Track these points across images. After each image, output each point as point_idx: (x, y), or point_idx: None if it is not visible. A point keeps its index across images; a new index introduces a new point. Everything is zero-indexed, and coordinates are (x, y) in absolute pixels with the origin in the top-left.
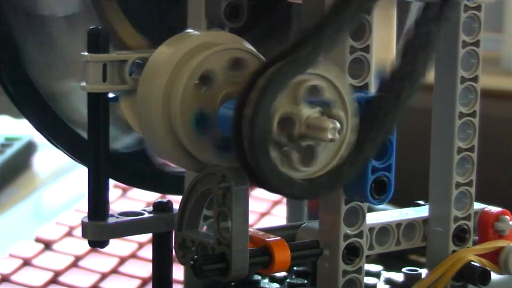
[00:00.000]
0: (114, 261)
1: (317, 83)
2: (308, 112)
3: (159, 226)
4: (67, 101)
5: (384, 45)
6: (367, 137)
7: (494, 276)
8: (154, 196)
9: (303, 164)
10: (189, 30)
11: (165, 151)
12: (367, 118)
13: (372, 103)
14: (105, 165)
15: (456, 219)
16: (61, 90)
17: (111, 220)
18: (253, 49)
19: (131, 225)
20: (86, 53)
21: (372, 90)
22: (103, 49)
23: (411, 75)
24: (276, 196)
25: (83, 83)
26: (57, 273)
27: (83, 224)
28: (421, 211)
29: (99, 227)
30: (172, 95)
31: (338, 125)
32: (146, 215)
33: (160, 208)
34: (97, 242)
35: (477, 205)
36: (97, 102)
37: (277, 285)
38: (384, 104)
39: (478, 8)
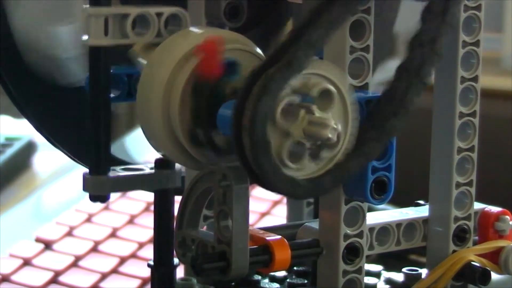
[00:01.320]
0: (114, 261)
1: (329, 87)
2: (314, 111)
3: (160, 183)
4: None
5: None
6: (369, 136)
7: (494, 276)
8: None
9: (309, 163)
10: (191, 27)
11: (165, 150)
12: (371, 116)
13: (377, 101)
14: (105, 117)
15: (456, 219)
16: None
17: (111, 174)
18: (257, 48)
19: (131, 180)
20: (87, 6)
21: (372, 90)
22: (105, 3)
23: (417, 74)
24: (276, 196)
25: (85, 37)
26: (57, 273)
27: (84, 177)
28: (421, 211)
29: (99, 181)
30: (173, 92)
31: (339, 127)
32: (147, 171)
33: (162, 165)
34: (97, 197)
35: (477, 205)
36: (98, 57)
37: (277, 285)
38: (389, 102)
39: (478, 7)
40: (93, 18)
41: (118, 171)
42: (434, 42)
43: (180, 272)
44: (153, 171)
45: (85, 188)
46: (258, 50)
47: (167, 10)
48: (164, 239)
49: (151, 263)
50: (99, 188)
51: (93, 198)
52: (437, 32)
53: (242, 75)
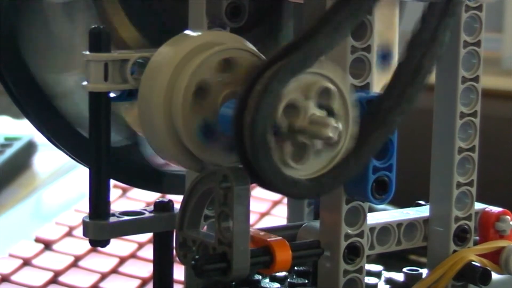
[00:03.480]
0: (114, 261)
1: (330, 86)
2: (314, 110)
3: (160, 225)
4: (68, 100)
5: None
6: (369, 136)
7: (495, 276)
8: (154, 196)
9: (293, 159)
10: (189, 30)
11: (166, 151)
12: (370, 116)
13: (376, 101)
14: (106, 164)
15: (457, 219)
16: (62, 88)
17: (112, 219)
18: (252, 47)
19: (132, 225)
20: (87, 52)
21: (373, 89)
22: (105, 48)
23: (416, 75)
24: (276, 196)
25: (85, 83)
26: (57, 273)
27: (84, 223)
28: (422, 211)
29: (100, 227)
30: (173, 101)
31: (340, 126)
32: (147, 214)
33: (161, 207)
34: (98, 242)
35: (478, 205)
36: (98, 101)
37: (277, 284)
38: (388, 102)
39: (479, 8)
40: (93, 64)
41: (119, 216)
42: (432, 47)
43: (180, 275)
44: (152, 214)
45: (85, 234)
46: (256, 50)
47: None
48: (164, 281)
49: None
50: (99, 234)
51: (94, 243)
52: (436, 33)
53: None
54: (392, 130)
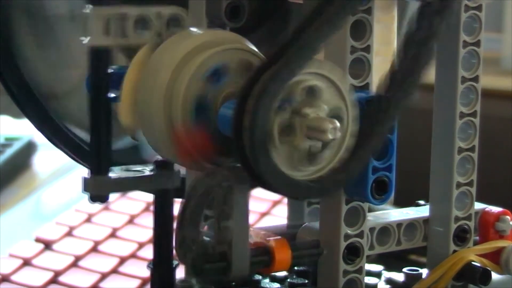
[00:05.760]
0: (114, 261)
1: (329, 86)
2: (305, 112)
3: (159, 183)
4: (68, 100)
5: (385, 44)
6: (368, 136)
7: (495, 276)
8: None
9: (309, 163)
10: (190, 29)
11: (166, 151)
12: (367, 117)
13: (372, 101)
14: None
15: (457, 219)
16: (62, 88)
17: (112, 174)
18: (252, 47)
19: (132, 180)
20: (88, 8)
21: (373, 90)
22: (105, 3)
23: (411, 73)
24: (276, 196)
25: (84, 39)
26: (57, 273)
27: (84, 178)
28: (422, 211)
29: (100, 181)
30: (174, 94)
31: (337, 124)
32: (147, 173)
33: (161, 165)
34: (98, 197)
35: (478, 205)
36: (98, 59)
37: (277, 284)
38: (384, 102)
39: (478, 8)
40: (94, 18)
41: (118, 172)
42: (427, 47)
43: (180, 273)
44: (152, 172)
45: (85, 188)
46: (256, 50)
47: (167, 10)
48: (164, 240)
49: (151, 265)
50: (99, 189)
51: (93, 198)
52: (431, 32)
53: (232, 76)
54: (387, 130)
